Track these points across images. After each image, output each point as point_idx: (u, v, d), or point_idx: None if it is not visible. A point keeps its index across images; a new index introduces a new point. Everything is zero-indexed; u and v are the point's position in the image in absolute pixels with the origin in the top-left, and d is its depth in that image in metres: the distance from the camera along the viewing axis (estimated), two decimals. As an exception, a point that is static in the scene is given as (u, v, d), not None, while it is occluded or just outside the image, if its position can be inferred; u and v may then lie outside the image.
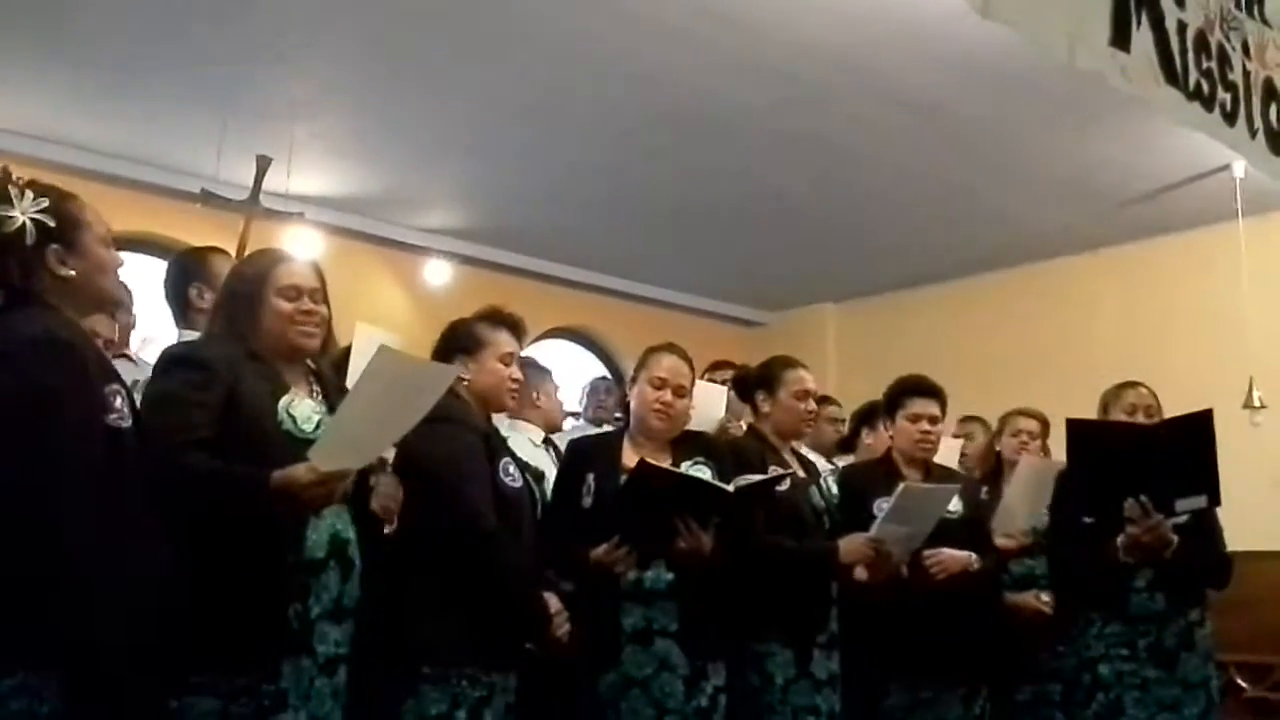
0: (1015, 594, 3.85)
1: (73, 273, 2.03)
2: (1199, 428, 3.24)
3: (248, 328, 2.36)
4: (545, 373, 4.12)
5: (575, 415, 5.03)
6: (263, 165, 5.75)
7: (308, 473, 2.11)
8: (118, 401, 1.99)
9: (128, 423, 2.00)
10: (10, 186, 2.01)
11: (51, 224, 2.01)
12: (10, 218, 1.98)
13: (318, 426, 2.29)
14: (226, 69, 5.21)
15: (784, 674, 3.19)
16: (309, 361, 2.46)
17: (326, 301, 2.45)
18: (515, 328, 2.90)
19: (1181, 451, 3.22)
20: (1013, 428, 4.24)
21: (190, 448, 2.14)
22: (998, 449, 4.30)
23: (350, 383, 2.53)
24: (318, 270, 2.48)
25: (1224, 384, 5.77)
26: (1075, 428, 3.34)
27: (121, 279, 2.21)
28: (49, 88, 5.47)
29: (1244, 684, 5.55)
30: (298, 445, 2.23)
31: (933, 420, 3.59)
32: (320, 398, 2.41)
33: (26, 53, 5.13)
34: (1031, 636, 3.81)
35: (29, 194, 2.01)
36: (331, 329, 2.47)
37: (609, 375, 5.25)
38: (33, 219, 1.99)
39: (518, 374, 2.89)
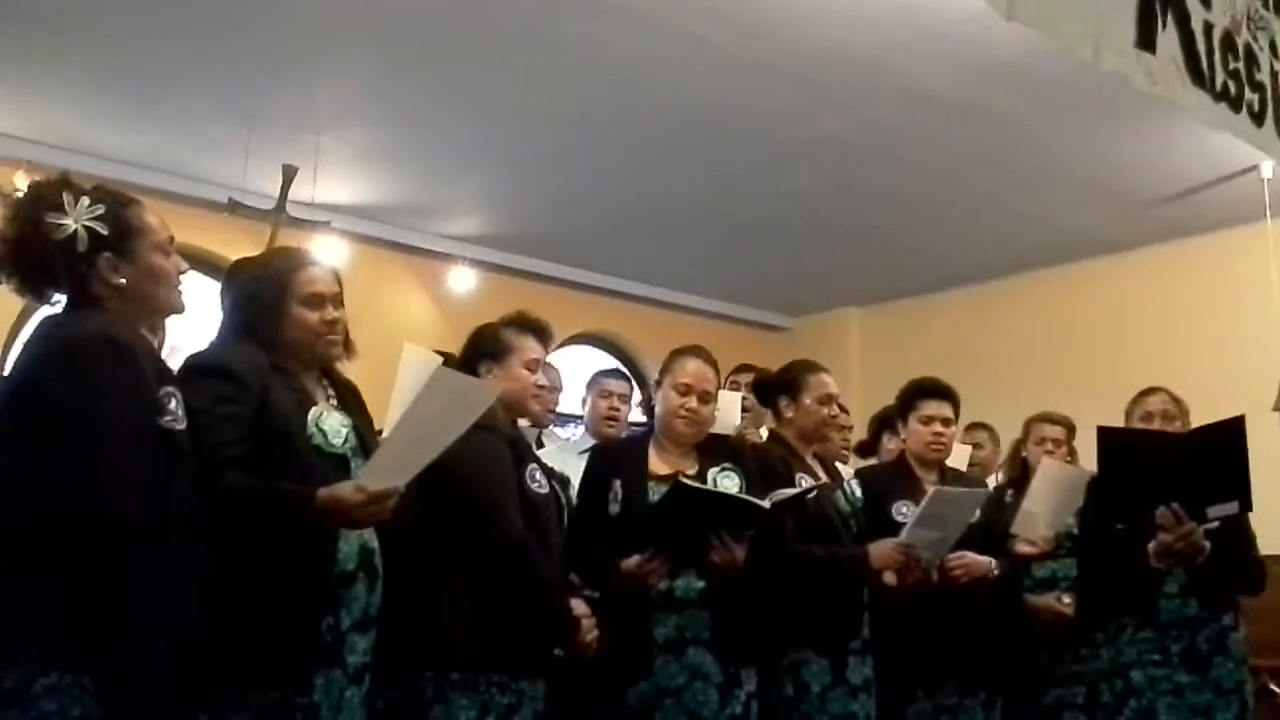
0: (1036, 596, 3.83)
1: (123, 281, 2.01)
2: (1231, 435, 3.21)
3: (268, 335, 2.32)
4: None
5: (577, 419, 4.89)
6: (289, 175, 5.80)
7: (356, 492, 2.09)
8: (172, 404, 1.98)
9: (181, 425, 1.99)
10: (65, 193, 1.99)
11: (105, 231, 1.99)
12: (62, 225, 1.97)
13: (345, 440, 2.28)
14: (252, 79, 5.26)
15: (820, 682, 3.17)
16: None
17: (343, 305, 2.42)
18: (542, 333, 2.87)
19: (1213, 458, 3.20)
20: (1037, 434, 4.20)
21: (226, 464, 2.11)
22: (1024, 455, 4.27)
23: (396, 402, 2.53)
24: (336, 274, 2.45)
25: (1254, 386, 5.72)
26: (1107, 436, 3.32)
27: (180, 287, 2.15)
28: (76, 98, 5.54)
29: (1277, 689, 5.48)
30: (327, 459, 2.23)
31: (945, 422, 3.56)
32: (337, 404, 2.39)
33: (54, 64, 5.19)
34: (1052, 639, 3.79)
35: (85, 200, 2.00)
36: (349, 334, 2.43)
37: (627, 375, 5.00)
38: (85, 226, 1.98)
39: (544, 380, 2.88)
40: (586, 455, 3.31)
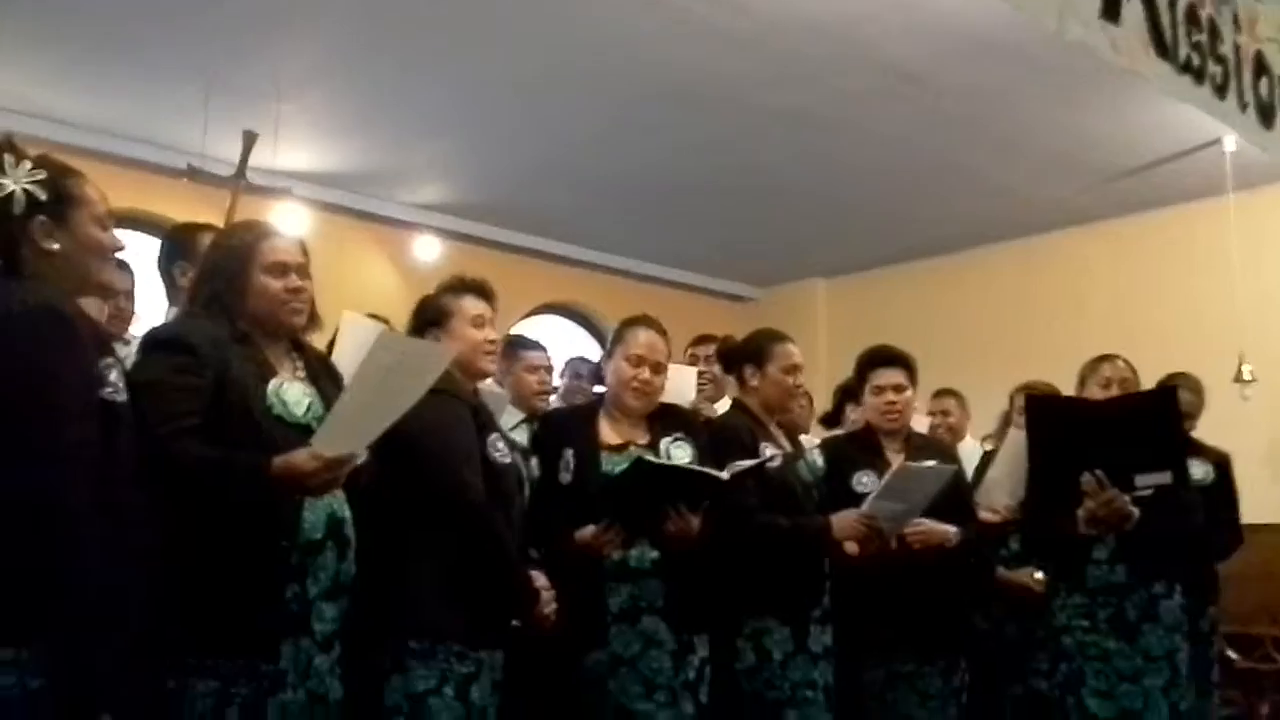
0: (1009, 571, 3.86)
1: (57, 246, 1.99)
2: (1162, 404, 3.24)
3: (232, 305, 2.32)
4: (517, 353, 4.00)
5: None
6: (249, 141, 5.71)
7: (311, 459, 2.10)
8: (112, 375, 1.98)
9: (122, 397, 1.99)
10: (5, 155, 1.97)
11: (43, 196, 1.98)
12: None
13: (308, 409, 2.28)
14: (212, 44, 5.16)
15: (782, 650, 3.19)
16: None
17: (310, 276, 2.42)
18: (480, 290, 2.85)
19: (1143, 427, 3.22)
20: (1022, 404, 4.22)
21: (182, 435, 2.12)
22: (1011, 425, 4.30)
23: (339, 368, 2.52)
24: (302, 245, 2.45)
25: (1214, 358, 5.78)
26: (1033, 404, 3.35)
27: (114, 263, 2.16)
28: (34, 63, 5.42)
29: (1234, 655, 5.59)
30: (288, 429, 2.22)
31: (897, 389, 3.56)
32: (305, 375, 2.38)
33: (10, 28, 5.07)
34: (1024, 610, 3.83)
35: (25, 164, 1.98)
36: (315, 305, 2.44)
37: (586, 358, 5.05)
38: (24, 189, 1.96)
39: (493, 335, 2.84)
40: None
